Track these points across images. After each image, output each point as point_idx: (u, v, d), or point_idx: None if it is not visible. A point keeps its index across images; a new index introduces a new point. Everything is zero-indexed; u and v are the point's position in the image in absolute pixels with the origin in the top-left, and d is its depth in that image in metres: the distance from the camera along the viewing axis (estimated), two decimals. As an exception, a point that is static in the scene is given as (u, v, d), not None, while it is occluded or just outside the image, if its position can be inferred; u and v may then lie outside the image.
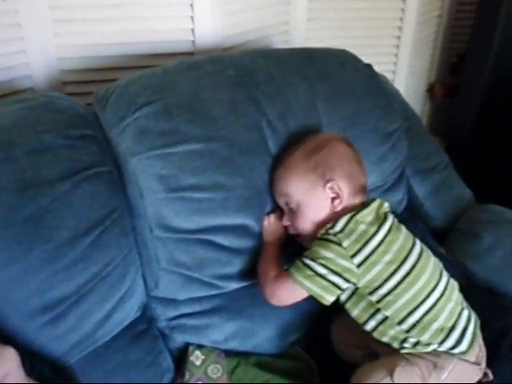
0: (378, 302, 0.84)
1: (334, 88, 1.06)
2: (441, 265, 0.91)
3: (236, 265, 0.96)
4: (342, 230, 0.85)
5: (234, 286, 0.97)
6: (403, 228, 0.91)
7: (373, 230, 0.85)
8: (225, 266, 0.95)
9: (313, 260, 0.84)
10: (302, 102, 1.01)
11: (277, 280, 0.88)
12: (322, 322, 1.00)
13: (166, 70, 0.98)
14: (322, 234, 0.87)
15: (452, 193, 1.23)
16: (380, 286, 0.84)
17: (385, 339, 0.86)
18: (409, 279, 0.84)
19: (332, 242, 0.84)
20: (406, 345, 0.84)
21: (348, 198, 0.89)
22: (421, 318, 0.83)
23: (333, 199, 0.89)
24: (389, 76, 1.49)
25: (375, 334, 0.86)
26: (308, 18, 1.54)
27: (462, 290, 0.92)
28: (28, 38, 1.08)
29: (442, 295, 0.85)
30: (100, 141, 0.91)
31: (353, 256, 0.83)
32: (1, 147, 0.80)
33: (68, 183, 0.82)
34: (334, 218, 0.87)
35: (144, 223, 0.90)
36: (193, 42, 1.26)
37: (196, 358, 0.93)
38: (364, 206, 0.89)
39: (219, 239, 0.93)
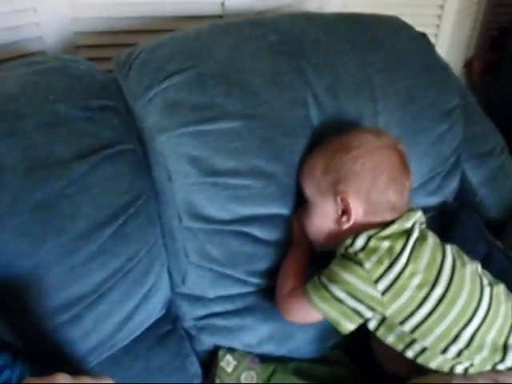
0: (412, 331, 0.72)
1: (388, 58, 0.92)
2: (479, 268, 0.79)
3: (273, 260, 0.84)
4: (363, 248, 0.72)
5: (269, 283, 0.86)
6: (430, 236, 0.77)
7: (398, 247, 0.72)
8: (261, 260, 0.83)
9: (330, 281, 0.72)
10: (354, 74, 0.88)
11: (291, 295, 0.77)
12: (364, 324, 0.89)
13: (199, 32, 0.84)
14: (342, 252, 0.75)
15: (510, 180, 1.10)
16: (412, 315, 0.71)
17: (431, 366, 0.74)
18: (445, 302, 0.71)
19: (351, 260, 0.72)
20: (457, 370, 0.73)
21: (364, 217, 0.75)
22: (467, 345, 0.71)
23: (343, 212, 0.76)
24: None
25: (419, 362, 0.74)
26: (345, -18, 1.40)
27: None
28: (38, -6, 0.94)
29: (487, 313, 0.73)
30: (122, 114, 0.78)
31: (377, 281, 0.70)
32: (6, 119, 0.67)
33: (85, 164, 0.70)
34: (345, 233, 0.75)
35: (172, 211, 0.78)
36: (222, 3, 1.12)
37: (227, 363, 0.83)
38: (387, 224, 0.74)
39: (256, 231, 0.81)
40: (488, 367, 0.73)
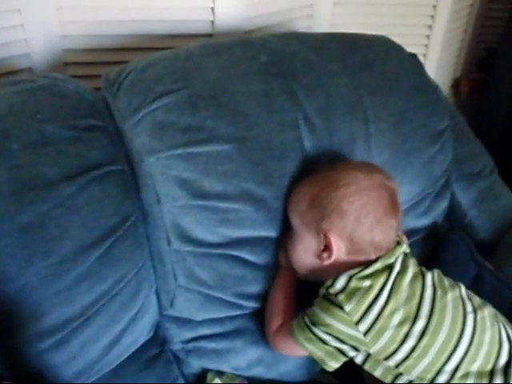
0: (398, 366, 0.72)
1: (379, 79, 0.92)
2: (463, 292, 0.78)
3: (262, 283, 0.83)
4: (343, 290, 0.72)
5: (259, 306, 0.84)
6: (410, 266, 0.76)
7: (378, 285, 0.72)
8: (250, 283, 0.82)
9: (313, 324, 0.73)
10: (345, 95, 0.88)
11: (279, 332, 0.78)
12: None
13: (189, 52, 0.83)
14: (323, 292, 0.75)
15: (499, 201, 1.10)
16: (395, 352, 0.71)
17: None
18: (427, 336, 0.71)
19: (333, 303, 0.72)
20: None
21: (346, 255, 0.75)
22: (453, 375, 0.71)
23: (325, 249, 0.75)
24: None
25: None
26: (334, 2, 1.40)
27: None
28: (26, 12, 0.93)
29: (471, 342, 0.72)
30: (111, 134, 0.77)
31: (358, 322, 0.70)
32: (-7, 139, 0.66)
33: (73, 185, 0.69)
34: (326, 268, 0.75)
35: (161, 234, 0.77)
36: (212, 22, 1.12)
37: (215, 387, 0.81)
38: (370, 262, 0.74)
39: (245, 254, 0.80)
40: None
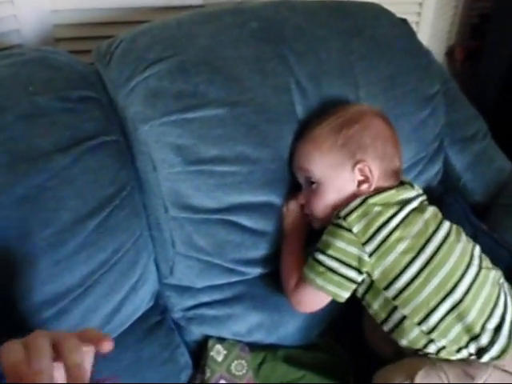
0: (395, 298, 0.74)
1: (370, 44, 0.92)
2: (476, 250, 0.80)
3: (261, 248, 0.84)
4: (351, 212, 0.74)
5: (258, 271, 0.86)
6: (429, 208, 0.79)
7: (390, 212, 0.74)
8: (248, 249, 0.83)
9: (322, 252, 0.75)
10: (336, 60, 0.87)
11: (297, 288, 0.79)
12: (355, 310, 0.89)
13: (179, 21, 0.83)
14: (334, 219, 0.76)
15: (493, 165, 1.11)
16: (395, 280, 0.73)
17: (404, 342, 0.76)
18: (427, 270, 0.73)
19: (342, 227, 0.74)
20: (429, 350, 0.74)
21: (378, 183, 0.78)
22: (442, 318, 0.73)
23: (360, 182, 0.77)
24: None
25: (394, 336, 0.76)
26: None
27: (508, 270, 0.82)
28: (15, -14, 0.92)
29: (469, 288, 0.74)
30: (104, 104, 0.77)
31: (365, 243, 0.73)
32: (-15, 112, 0.66)
33: (68, 156, 0.69)
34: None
35: (157, 201, 0.78)
36: (203, -7, 1.11)
37: (217, 352, 0.83)
38: (386, 189, 0.77)
39: (243, 220, 0.81)
40: (459, 355, 0.74)
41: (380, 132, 0.79)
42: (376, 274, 0.74)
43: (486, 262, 0.80)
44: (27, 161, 0.66)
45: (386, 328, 0.77)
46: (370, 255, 0.73)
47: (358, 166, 0.77)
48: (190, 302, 0.84)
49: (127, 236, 0.75)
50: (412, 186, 0.82)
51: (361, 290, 0.77)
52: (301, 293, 0.78)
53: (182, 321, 0.84)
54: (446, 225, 0.79)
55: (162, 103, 0.75)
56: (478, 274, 0.75)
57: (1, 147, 0.65)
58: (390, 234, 0.73)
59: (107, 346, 0.46)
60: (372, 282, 0.75)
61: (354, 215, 0.74)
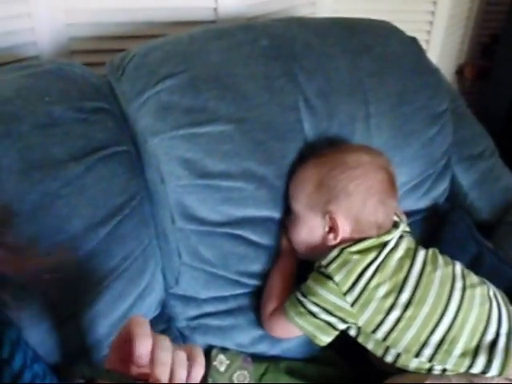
0: (385, 339, 0.74)
1: (379, 62, 0.94)
2: (457, 270, 0.80)
3: (265, 262, 0.85)
4: (332, 261, 0.75)
5: (261, 284, 0.86)
6: (403, 243, 0.79)
7: (368, 259, 0.75)
8: (253, 262, 0.84)
9: (304, 296, 0.76)
10: (345, 77, 0.89)
11: (273, 314, 0.81)
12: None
13: (192, 36, 0.85)
14: (316, 266, 0.78)
15: (499, 183, 1.11)
16: (381, 323, 0.74)
17: (410, 369, 0.76)
18: (412, 308, 0.74)
19: (324, 275, 0.75)
20: (434, 372, 0.74)
21: (350, 235, 0.77)
22: (437, 348, 0.73)
23: (329, 230, 0.78)
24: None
25: (398, 365, 0.76)
26: (337, -12, 1.41)
27: None
28: (33, 0, 0.95)
29: (456, 315, 0.74)
30: (116, 116, 0.79)
31: (346, 293, 0.73)
32: (2, 121, 0.68)
33: (81, 165, 0.71)
34: (330, 248, 0.77)
35: (165, 213, 0.79)
36: (215, 9, 1.14)
37: (220, 362, 0.83)
38: (364, 238, 0.77)
39: (248, 233, 0.82)
40: (462, 370, 0.74)
41: (370, 186, 0.77)
42: (361, 322, 0.74)
43: (471, 278, 0.80)
44: (41, 169, 0.68)
45: (387, 361, 0.77)
46: (352, 305, 0.73)
47: (327, 216, 0.77)
48: (195, 312, 0.85)
49: (136, 244, 0.76)
50: (397, 225, 0.80)
51: (352, 333, 0.78)
52: (276, 322, 0.80)
53: (186, 330, 0.85)
54: (421, 255, 0.79)
55: (172, 117, 0.77)
56: (462, 298, 0.76)
57: (16, 155, 0.67)
58: (369, 281, 0.74)
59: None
60: (360, 328, 0.76)
61: (335, 265, 0.74)
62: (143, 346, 0.45)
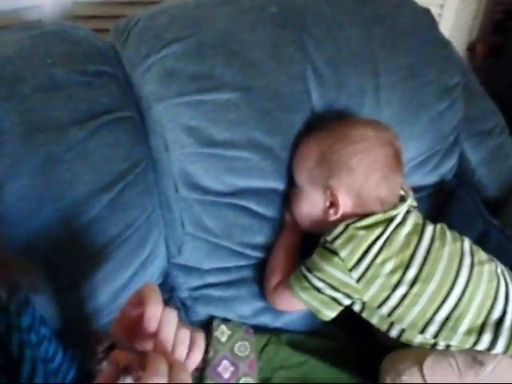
0: (390, 315, 0.74)
1: (391, 32, 0.91)
2: (467, 246, 0.79)
3: (268, 233, 0.84)
4: (338, 237, 0.73)
5: (264, 256, 0.86)
6: (410, 219, 0.77)
7: (374, 234, 0.73)
8: (256, 234, 0.83)
9: (309, 271, 0.75)
10: (356, 47, 0.86)
11: (277, 288, 0.80)
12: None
13: (198, 1, 0.83)
14: (322, 241, 0.76)
15: (508, 161, 1.09)
16: (387, 299, 0.73)
17: (414, 345, 0.75)
18: (418, 284, 0.72)
19: (329, 250, 0.74)
20: (438, 347, 0.74)
21: (352, 209, 0.76)
22: (443, 325, 0.72)
23: (330, 205, 0.76)
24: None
25: (402, 341, 0.76)
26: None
27: None
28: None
29: (463, 292, 0.73)
30: (120, 81, 0.78)
31: (351, 269, 0.72)
32: (4, 82, 0.67)
33: (84, 129, 0.70)
34: (332, 223, 0.76)
35: (169, 181, 0.78)
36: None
37: (221, 333, 0.83)
38: (369, 214, 0.75)
39: (252, 204, 0.81)
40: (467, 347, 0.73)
41: (374, 161, 0.74)
42: (366, 297, 0.74)
43: (479, 255, 0.79)
44: (44, 132, 0.67)
45: (391, 336, 0.76)
46: (358, 281, 0.72)
47: (328, 191, 0.75)
48: (197, 283, 0.85)
49: (139, 212, 0.76)
50: (404, 200, 0.79)
51: (356, 308, 0.78)
52: (280, 295, 0.79)
53: (188, 300, 0.85)
54: (429, 231, 0.78)
55: (176, 84, 0.75)
56: (470, 274, 0.75)
57: (18, 117, 0.66)
58: (375, 257, 0.72)
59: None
60: (365, 303, 0.75)
61: (340, 240, 0.73)
62: (154, 310, 0.44)
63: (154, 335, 0.44)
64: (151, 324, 0.44)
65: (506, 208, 1.05)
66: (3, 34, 0.77)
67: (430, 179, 1.02)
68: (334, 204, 0.76)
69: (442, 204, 1.02)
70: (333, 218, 0.76)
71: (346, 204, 0.75)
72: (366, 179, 0.74)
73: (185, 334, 0.46)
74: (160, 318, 0.44)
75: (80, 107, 0.70)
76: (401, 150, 0.77)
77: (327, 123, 0.80)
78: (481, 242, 0.93)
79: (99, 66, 0.75)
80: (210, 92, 0.76)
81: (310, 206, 0.79)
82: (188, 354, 0.46)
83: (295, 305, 0.78)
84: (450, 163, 1.03)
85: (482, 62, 1.85)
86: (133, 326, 0.46)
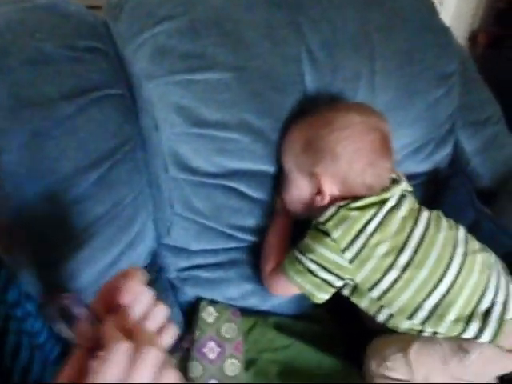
0: (380, 298, 0.74)
1: (388, 16, 0.89)
2: (460, 234, 0.79)
3: (258, 216, 0.84)
4: (330, 218, 0.73)
5: (254, 239, 0.86)
6: (406, 203, 0.77)
7: (368, 215, 0.73)
8: (246, 216, 0.83)
9: (302, 253, 0.75)
10: (352, 29, 0.85)
11: (273, 273, 0.80)
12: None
13: (193, -22, 0.81)
14: (314, 223, 0.76)
15: (503, 151, 1.09)
16: (378, 282, 0.73)
17: (400, 330, 0.76)
18: (410, 269, 0.72)
19: (322, 232, 0.73)
20: (425, 334, 0.75)
21: (339, 194, 0.75)
22: (432, 311, 0.73)
23: (317, 192, 0.76)
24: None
25: (389, 326, 0.77)
26: None
27: (509, 256, 0.82)
28: None
29: (455, 280, 0.73)
30: (111, 57, 0.76)
31: (344, 250, 0.72)
32: (-9, 55, 0.66)
33: (72, 105, 0.69)
34: (321, 208, 0.75)
35: (158, 161, 0.78)
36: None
37: (208, 314, 0.83)
38: (361, 197, 0.74)
39: (242, 186, 0.81)
40: (454, 335, 0.73)
41: (358, 148, 0.73)
42: (358, 278, 0.74)
43: (473, 244, 0.79)
44: (31, 107, 0.66)
45: (378, 320, 0.77)
46: (351, 262, 0.72)
47: (314, 178, 0.75)
48: (185, 264, 0.84)
49: (127, 191, 0.75)
50: (397, 182, 0.78)
51: (346, 292, 0.78)
52: (276, 280, 0.79)
53: (177, 281, 0.85)
54: (424, 217, 0.77)
55: (168, 62, 0.74)
56: (463, 263, 0.74)
57: (6, 91, 0.65)
58: (369, 238, 0.72)
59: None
60: (356, 285, 0.75)
61: (332, 222, 0.72)
62: (132, 284, 0.44)
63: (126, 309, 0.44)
64: (125, 297, 0.43)
65: (499, 197, 1.05)
66: (-2, 6, 0.76)
67: (424, 167, 1.02)
68: (320, 191, 0.75)
69: (436, 192, 1.02)
70: (320, 204, 0.76)
71: (331, 191, 0.75)
72: (351, 166, 0.73)
73: (159, 311, 0.45)
74: (135, 294, 0.44)
75: (68, 82, 0.69)
76: (389, 134, 0.76)
77: (318, 107, 0.79)
78: (472, 231, 0.93)
79: (90, 41, 0.74)
80: (201, 71, 0.74)
81: (299, 191, 0.78)
82: (160, 333, 0.46)
83: (291, 289, 0.78)
84: (445, 151, 1.03)
85: (483, 51, 1.84)
86: (112, 302, 0.46)
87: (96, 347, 0.42)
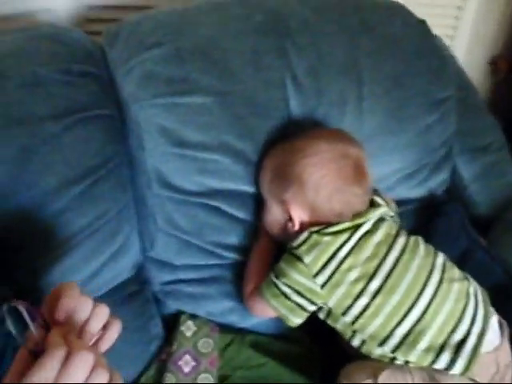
0: (353, 323, 0.74)
1: (379, 42, 0.91)
2: (438, 261, 0.77)
3: (240, 235, 0.86)
4: (302, 243, 0.74)
5: (236, 257, 0.88)
6: (382, 228, 0.77)
7: (340, 240, 0.73)
8: (228, 234, 0.85)
9: (277, 277, 0.76)
10: (339, 55, 0.87)
11: (252, 296, 0.81)
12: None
13: (186, 8, 0.87)
14: (288, 248, 0.77)
15: (503, 179, 1.07)
16: (350, 307, 0.73)
17: (372, 356, 0.75)
18: (380, 297, 0.72)
19: (295, 256, 0.74)
20: (396, 362, 0.74)
21: (310, 220, 0.76)
22: (403, 339, 0.72)
23: (289, 218, 0.78)
24: (446, 42, 1.30)
25: (363, 352, 0.76)
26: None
27: (501, 288, 0.82)
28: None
29: (427, 308, 0.72)
30: (104, 81, 0.82)
31: (316, 275, 0.72)
32: (-9, 78, 0.72)
33: (60, 124, 0.74)
34: (295, 233, 0.77)
35: (143, 178, 0.82)
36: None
37: (187, 328, 0.86)
38: (334, 223, 0.75)
39: (223, 205, 0.83)
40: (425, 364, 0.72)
41: (325, 175, 0.74)
42: (331, 303, 0.74)
43: (452, 272, 0.77)
44: (20, 125, 0.72)
45: (353, 345, 0.77)
46: (322, 287, 0.73)
47: (283, 205, 0.77)
48: (169, 277, 0.87)
49: (110, 206, 0.79)
50: (375, 207, 0.79)
51: (322, 315, 0.78)
52: (254, 301, 0.81)
53: (160, 294, 0.88)
54: (400, 242, 0.77)
55: (153, 86, 0.79)
56: (437, 291, 0.74)
57: (-2, 111, 0.71)
58: (341, 263, 0.73)
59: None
60: (330, 309, 0.76)
61: (305, 247, 0.74)
62: (65, 302, 0.47)
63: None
64: (60, 314, 0.47)
65: (495, 227, 1.03)
66: (7, 34, 0.82)
67: (417, 192, 1.01)
68: (290, 218, 0.77)
69: (429, 218, 1.01)
70: (292, 230, 0.78)
71: (301, 218, 0.77)
72: (318, 193, 0.75)
73: (101, 311, 0.49)
74: (74, 305, 0.47)
75: (59, 104, 0.74)
76: (361, 158, 0.77)
77: (300, 133, 0.81)
78: (463, 259, 0.92)
79: (84, 66, 0.79)
80: (183, 95, 0.79)
81: (273, 217, 0.81)
82: (103, 332, 0.49)
83: (268, 312, 0.79)
84: (440, 177, 1.02)
85: (505, 77, 1.80)
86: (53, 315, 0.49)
87: (41, 351, 0.45)
